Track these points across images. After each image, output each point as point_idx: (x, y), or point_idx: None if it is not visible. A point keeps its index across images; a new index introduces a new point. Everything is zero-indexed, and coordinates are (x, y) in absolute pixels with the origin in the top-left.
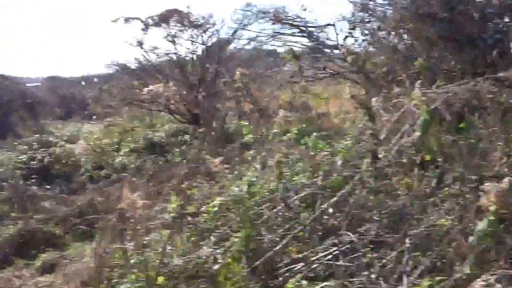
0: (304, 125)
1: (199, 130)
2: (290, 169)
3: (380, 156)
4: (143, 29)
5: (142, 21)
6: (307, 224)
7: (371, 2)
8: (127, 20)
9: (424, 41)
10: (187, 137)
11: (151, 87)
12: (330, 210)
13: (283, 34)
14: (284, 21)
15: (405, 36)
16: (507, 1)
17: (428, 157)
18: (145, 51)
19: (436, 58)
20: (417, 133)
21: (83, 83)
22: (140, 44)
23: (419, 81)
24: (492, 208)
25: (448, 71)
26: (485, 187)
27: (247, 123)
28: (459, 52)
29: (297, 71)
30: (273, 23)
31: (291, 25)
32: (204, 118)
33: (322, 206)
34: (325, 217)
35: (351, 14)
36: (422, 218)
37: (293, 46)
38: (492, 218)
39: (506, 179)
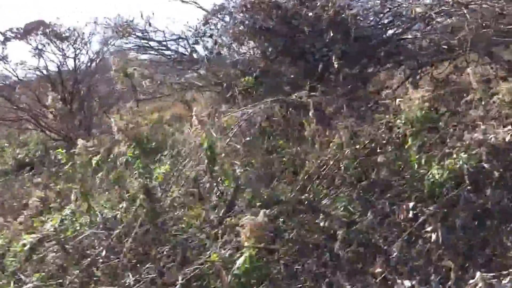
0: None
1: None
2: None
3: (153, 192)
4: (2, 42)
5: (1, 34)
6: (82, 269)
7: (214, 16)
8: None
9: (262, 56)
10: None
11: None
12: (103, 253)
13: (143, 47)
14: (132, 34)
15: (244, 50)
16: (333, 17)
17: (226, 183)
18: (10, 65)
19: (274, 73)
20: (205, 161)
21: None
22: (3, 58)
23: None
24: (247, 243)
25: (283, 85)
26: (242, 221)
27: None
28: (293, 67)
29: (132, 90)
30: (121, 37)
31: (141, 38)
32: (75, 134)
33: (97, 248)
34: (100, 260)
35: (194, 27)
36: (201, 252)
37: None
38: (248, 254)
39: (261, 212)
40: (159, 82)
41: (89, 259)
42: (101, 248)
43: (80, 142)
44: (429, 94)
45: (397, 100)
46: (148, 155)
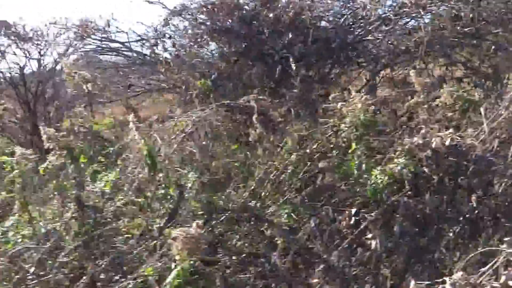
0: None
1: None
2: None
3: (86, 203)
4: None
5: None
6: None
7: (174, 17)
8: None
9: (222, 58)
10: None
11: None
12: (32, 269)
13: (104, 49)
14: (92, 35)
15: (203, 52)
16: (293, 19)
17: (170, 191)
18: None
19: (233, 75)
20: (146, 169)
21: None
22: None
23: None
24: (178, 256)
25: (241, 88)
26: (175, 233)
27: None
28: (252, 69)
29: (85, 94)
30: (82, 38)
31: (102, 40)
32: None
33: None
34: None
35: (153, 29)
36: (138, 265)
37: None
38: (180, 268)
39: (194, 223)
40: (101, 86)
41: (18, 275)
42: (30, 264)
43: (18, 149)
44: (372, 97)
45: (339, 104)
46: (85, 164)
